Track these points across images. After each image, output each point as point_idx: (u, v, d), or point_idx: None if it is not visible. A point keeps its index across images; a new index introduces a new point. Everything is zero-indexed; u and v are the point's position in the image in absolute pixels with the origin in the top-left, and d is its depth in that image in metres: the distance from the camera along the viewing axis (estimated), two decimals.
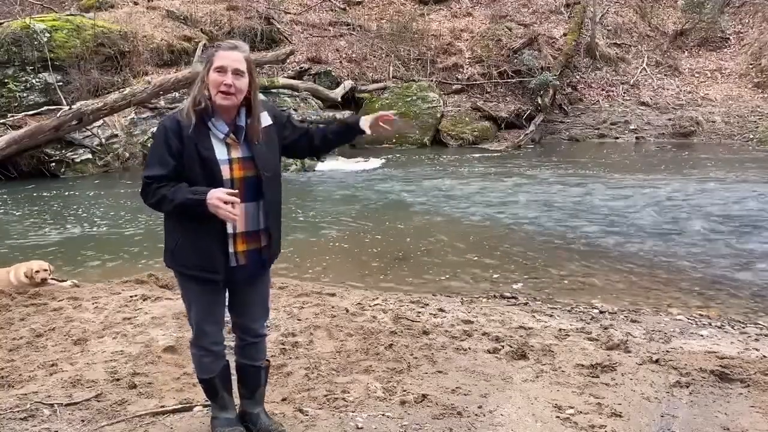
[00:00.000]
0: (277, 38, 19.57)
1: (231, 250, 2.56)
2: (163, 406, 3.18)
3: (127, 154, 13.59)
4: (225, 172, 2.52)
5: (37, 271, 5.30)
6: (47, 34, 14.67)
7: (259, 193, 2.59)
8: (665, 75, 19.64)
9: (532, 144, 16.96)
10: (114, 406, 3.20)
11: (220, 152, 2.53)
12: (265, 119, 2.65)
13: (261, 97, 2.70)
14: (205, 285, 2.61)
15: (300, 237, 7.76)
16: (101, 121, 13.21)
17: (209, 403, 2.94)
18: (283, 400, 3.25)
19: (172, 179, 2.48)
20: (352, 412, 3.14)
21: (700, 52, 20.31)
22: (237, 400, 2.93)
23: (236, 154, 2.56)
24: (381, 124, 2.78)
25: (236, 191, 2.45)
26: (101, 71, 15.34)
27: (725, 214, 8.50)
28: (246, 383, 2.88)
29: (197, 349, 2.74)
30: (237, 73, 2.50)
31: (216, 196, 2.38)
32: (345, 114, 15.06)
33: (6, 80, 14.34)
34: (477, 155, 15.24)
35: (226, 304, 2.77)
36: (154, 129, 12.30)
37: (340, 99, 17.14)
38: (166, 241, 2.65)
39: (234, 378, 2.91)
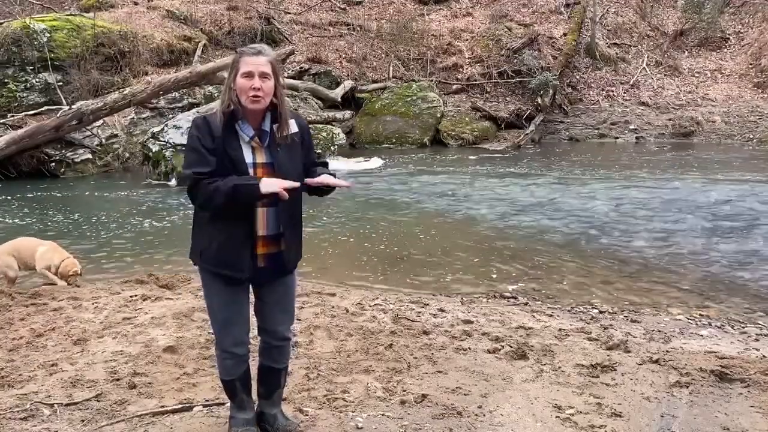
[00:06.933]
0: (277, 38, 19.58)
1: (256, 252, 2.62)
2: (163, 406, 3.18)
3: (127, 154, 13.60)
4: (250, 174, 2.57)
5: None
6: (47, 34, 14.69)
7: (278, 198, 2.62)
8: (665, 75, 19.63)
9: (532, 144, 16.95)
10: (114, 406, 3.20)
11: (247, 155, 2.59)
12: (293, 126, 2.69)
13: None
14: (231, 284, 2.65)
15: None
16: (101, 121, 13.22)
17: (209, 402, 2.94)
18: (283, 400, 3.24)
19: (216, 175, 2.51)
20: (352, 412, 3.14)
21: (700, 52, 20.31)
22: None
23: (260, 158, 2.60)
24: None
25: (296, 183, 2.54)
26: (101, 71, 15.37)
27: (725, 214, 8.50)
28: (265, 384, 2.91)
29: (221, 351, 2.77)
30: (263, 76, 2.54)
31: (272, 181, 2.47)
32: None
33: (6, 80, 14.38)
34: (477, 155, 15.24)
35: (251, 309, 2.79)
36: (155, 129, 12.54)
37: (340, 99, 17.15)
38: (195, 240, 2.70)
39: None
